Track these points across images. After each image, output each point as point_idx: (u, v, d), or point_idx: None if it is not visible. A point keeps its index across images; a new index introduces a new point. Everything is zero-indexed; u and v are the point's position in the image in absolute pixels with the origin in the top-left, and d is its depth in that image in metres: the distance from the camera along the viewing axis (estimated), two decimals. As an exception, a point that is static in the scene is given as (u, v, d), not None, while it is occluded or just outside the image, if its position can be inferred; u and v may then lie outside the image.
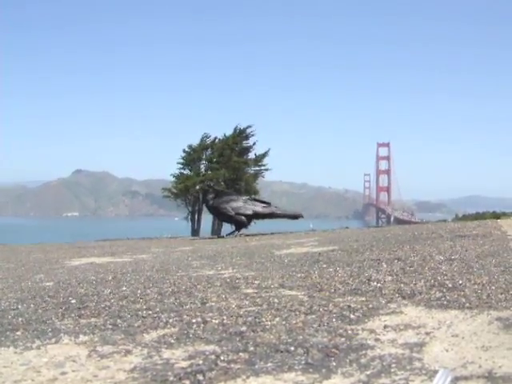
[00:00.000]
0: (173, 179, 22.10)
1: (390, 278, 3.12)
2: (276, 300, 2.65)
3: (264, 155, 22.38)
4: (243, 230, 9.82)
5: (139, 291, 3.14)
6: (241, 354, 1.80)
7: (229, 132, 22.31)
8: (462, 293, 2.59)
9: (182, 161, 22.00)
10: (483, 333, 1.92)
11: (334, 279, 3.19)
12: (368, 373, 1.57)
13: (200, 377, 1.60)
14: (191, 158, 21.83)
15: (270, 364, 1.68)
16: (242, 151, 22.09)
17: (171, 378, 1.61)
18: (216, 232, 17.18)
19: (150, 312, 2.53)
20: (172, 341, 2.01)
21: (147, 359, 1.81)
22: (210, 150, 22.14)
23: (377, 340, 1.90)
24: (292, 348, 1.83)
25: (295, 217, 10.96)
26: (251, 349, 1.84)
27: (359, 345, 1.85)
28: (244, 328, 2.13)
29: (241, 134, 22.11)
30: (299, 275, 3.43)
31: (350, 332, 2.01)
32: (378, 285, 2.92)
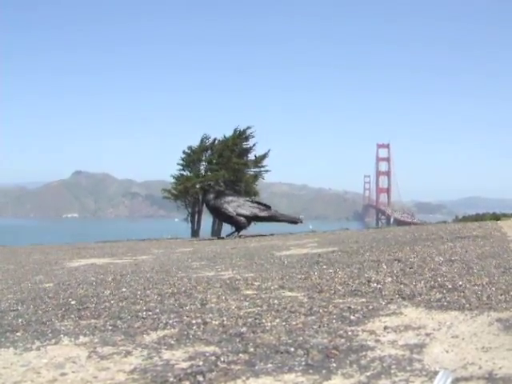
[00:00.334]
0: (173, 180, 22.13)
1: (390, 279, 3.12)
2: (276, 301, 2.64)
3: (264, 156, 22.42)
4: (243, 232, 9.82)
5: (139, 292, 3.14)
6: (241, 355, 1.80)
7: (228, 133, 22.36)
8: (462, 294, 2.59)
9: (181, 162, 22.04)
10: (483, 334, 1.92)
11: (334, 280, 3.19)
12: (368, 374, 1.57)
13: (200, 378, 1.60)
14: (191, 159, 21.87)
15: (270, 365, 1.68)
16: (241, 152, 22.12)
17: (171, 379, 1.61)
18: (216, 233, 17.19)
19: (150, 313, 2.53)
20: (172, 342, 2.01)
21: (147, 360, 1.81)
22: (209, 151, 22.18)
23: (377, 341, 1.90)
24: (292, 349, 1.83)
25: (294, 222, 10.93)
26: (251, 350, 1.84)
27: (359, 346, 1.84)
28: (244, 329, 2.13)
29: (240, 136, 22.14)
30: (299, 276, 3.43)
31: (350, 333, 2.01)
32: (378, 286, 2.92)
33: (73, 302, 2.94)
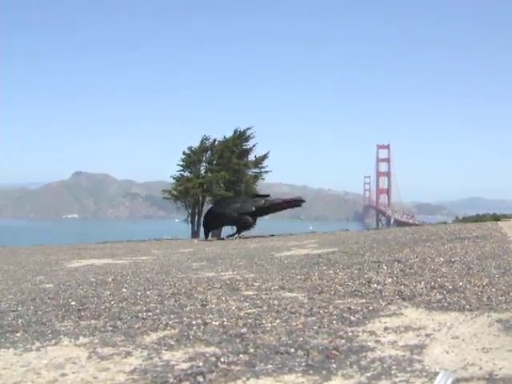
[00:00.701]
0: (173, 181, 22.12)
1: (390, 279, 3.12)
2: (276, 302, 2.64)
3: (264, 157, 22.40)
4: (243, 233, 9.82)
5: (139, 293, 3.14)
6: (241, 355, 1.80)
7: (229, 134, 22.35)
8: (463, 295, 2.59)
9: (182, 163, 22.02)
10: (483, 335, 1.92)
11: (334, 281, 3.19)
12: (368, 375, 1.57)
13: (200, 378, 1.60)
14: (191, 160, 21.86)
15: (270, 366, 1.68)
16: (241, 153, 22.11)
17: (171, 380, 1.61)
18: (216, 234, 17.18)
19: (150, 314, 2.53)
20: (172, 342, 2.01)
21: (147, 361, 1.81)
22: (209, 152, 22.17)
23: (377, 342, 1.90)
24: (292, 350, 1.83)
25: (297, 203, 10.85)
26: (251, 350, 1.84)
27: (359, 347, 1.84)
28: (244, 330, 2.13)
29: (241, 136, 22.14)
30: (299, 277, 3.43)
31: (350, 334, 2.01)
32: (379, 287, 2.92)
33: (73, 303, 2.94)
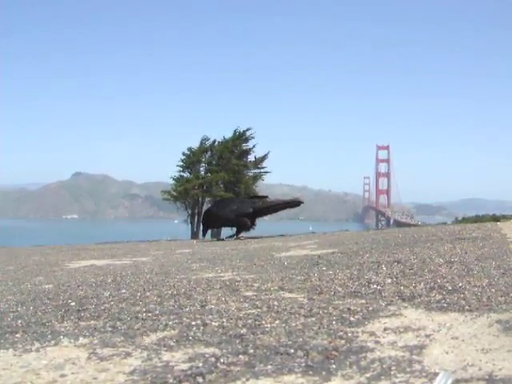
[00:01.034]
0: (172, 182, 22.12)
1: (389, 280, 3.12)
2: (276, 303, 2.64)
3: (263, 158, 22.42)
4: (243, 233, 9.82)
5: (139, 294, 3.14)
6: (241, 356, 1.80)
7: (228, 135, 22.36)
8: (462, 295, 2.59)
9: (181, 163, 22.02)
10: (483, 335, 1.92)
11: (334, 282, 3.19)
12: (368, 375, 1.57)
13: (200, 379, 1.60)
14: (191, 160, 21.87)
15: (269, 366, 1.68)
16: (241, 154, 22.13)
17: (171, 381, 1.61)
18: (216, 235, 17.17)
19: (150, 314, 2.53)
20: (172, 343, 2.01)
21: (147, 362, 1.81)
22: (209, 152, 22.18)
23: (377, 342, 1.90)
24: (292, 350, 1.83)
25: (296, 204, 10.89)
26: (251, 351, 1.84)
27: (359, 347, 1.84)
28: (244, 330, 2.13)
29: (240, 137, 22.15)
30: (299, 278, 3.42)
31: (349, 334, 2.01)
32: (378, 287, 2.92)
33: (72, 304, 2.94)
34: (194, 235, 20.14)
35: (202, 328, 2.21)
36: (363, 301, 2.61)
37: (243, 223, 9.69)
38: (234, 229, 9.98)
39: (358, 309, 2.42)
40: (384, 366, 1.64)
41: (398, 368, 1.62)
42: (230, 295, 2.94)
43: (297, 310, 2.44)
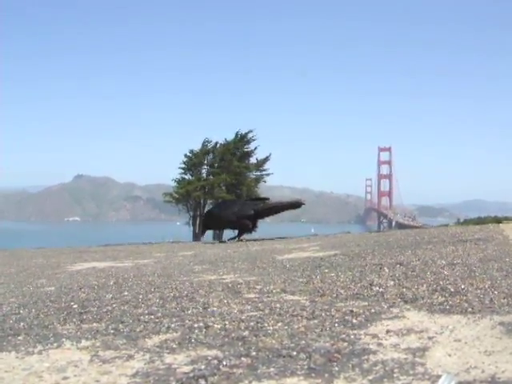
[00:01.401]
0: (174, 184, 22.13)
1: (392, 282, 3.12)
2: (278, 305, 2.64)
3: (265, 160, 22.42)
4: (244, 235, 9.81)
5: (141, 296, 3.14)
6: (243, 358, 1.79)
7: (230, 137, 22.36)
8: (465, 297, 2.58)
9: (183, 165, 22.03)
10: (486, 337, 1.92)
11: (336, 284, 3.18)
12: (370, 378, 1.57)
13: (202, 382, 1.60)
14: (192, 162, 21.87)
15: (272, 369, 1.68)
16: (243, 156, 22.13)
17: (173, 383, 1.60)
18: (218, 237, 17.17)
19: (152, 317, 2.53)
20: (174, 346, 2.01)
21: (149, 364, 1.80)
22: (211, 154, 22.18)
23: (379, 345, 1.90)
24: (294, 353, 1.83)
25: (296, 205, 10.92)
26: (253, 354, 1.84)
27: (362, 350, 1.84)
28: (246, 333, 2.12)
29: (242, 139, 22.16)
30: (301, 280, 3.42)
31: (352, 337, 2.01)
32: (380, 289, 2.91)
33: (75, 306, 2.94)
34: (196, 237, 20.13)
35: (204, 330, 2.21)
36: (365, 303, 2.60)
37: (244, 225, 9.69)
38: (236, 231, 9.99)
39: (361, 311, 2.42)
40: (387, 368, 1.64)
41: (401, 370, 1.61)
42: (232, 297, 2.93)
43: (299, 313, 2.44)
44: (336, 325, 2.20)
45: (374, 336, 2.01)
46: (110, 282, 3.95)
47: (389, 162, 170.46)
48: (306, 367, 1.68)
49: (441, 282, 3.00)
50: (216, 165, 21.88)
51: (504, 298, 2.51)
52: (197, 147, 22.27)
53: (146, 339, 2.13)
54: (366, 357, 1.76)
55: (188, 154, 22.02)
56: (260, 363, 1.74)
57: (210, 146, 22.26)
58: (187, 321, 2.39)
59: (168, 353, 1.92)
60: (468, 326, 2.08)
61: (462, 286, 2.84)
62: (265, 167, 22.53)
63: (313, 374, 1.62)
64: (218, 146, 22.18)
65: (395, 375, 1.58)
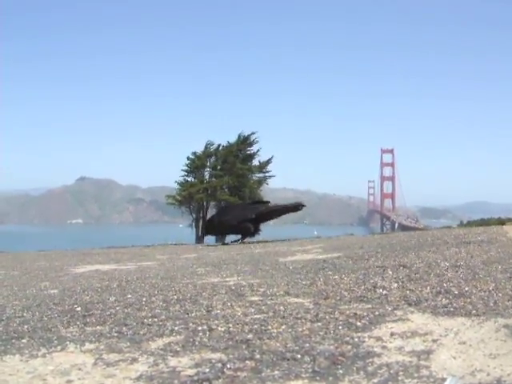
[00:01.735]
0: (177, 186, 22.13)
1: (395, 284, 3.11)
2: (282, 307, 2.64)
3: (268, 162, 22.39)
4: (248, 238, 9.83)
5: (144, 299, 3.14)
6: (247, 361, 1.79)
7: (233, 139, 22.36)
8: (469, 300, 2.58)
9: (186, 168, 22.03)
10: (491, 340, 1.91)
11: (340, 286, 3.18)
12: (375, 381, 1.57)
13: (206, 385, 1.60)
14: (195, 165, 21.86)
15: (276, 372, 1.68)
16: (245, 158, 22.12)
17: (177, 386, 1.60)
18: (220, 239, 17.18)
19: (156, 320, 2.53)
20: (178, 349, 2.01)
21: (153, 367, 1.80)
22: (213, 157, 22.17)
23: (384, 347, 1.89)
24: (299, 356, 1.82)
25: (297, 207, 10.98)
26: (258, 357, 1.84)
27: (366, 352, 1.84)
28: (250, 336, 2.12)
29: (245, 141, 22.14)
30: (304, 282, 3.42)
31: (356, 339, 2.00)
32: (384, 292, 2.91)
33: (78, 309, 2.94)
34: (199, 239, 20.13)
35: (208, 333, 2.20)
36: (369, 305, 2.60)
37: (246, 229, 9.73)
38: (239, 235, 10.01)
39: (365, 313, 2.41)
40: (391, 371, 1.64)
41: (406, 373, 1.61)
42: (236, 300, 2.93)
43: (303, 315, 2.43)
44: (340, 327, 2.19)
45: (379, 339, 2.00)
46: (114, 284, 3.95)
47: (391, 164, 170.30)
48: (310, 370, 1.68)
49: (444, 285, 2.99)
50: (219, 167, 21.86)
51: (508, 301, 2.50)
52: (199, 149, 22.27)
53: (150, 342, 2.13)
54: (370, 360, 1.76)
55: (191, 156, 22.01)
56: (264, 366, 1.74)
57: (212, 148, 22.24)
58: (191, 324, 2.39)
59: (172, 356, 1.92)
60: (472, 329, 2.08)
61: (466, 289, 2.84)
62: (267, 169, 22.52)
63: (317, 377, 1.62)
64: (221, 148, 22.16)
65: (400, 378, 1.57)
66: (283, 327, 2.24)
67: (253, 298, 2.96)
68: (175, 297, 3.14)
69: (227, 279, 3.90)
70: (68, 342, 2.20)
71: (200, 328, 2.30)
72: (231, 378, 1.64)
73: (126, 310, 2.81)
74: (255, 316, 2.49)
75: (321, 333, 2.12)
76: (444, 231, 8.92)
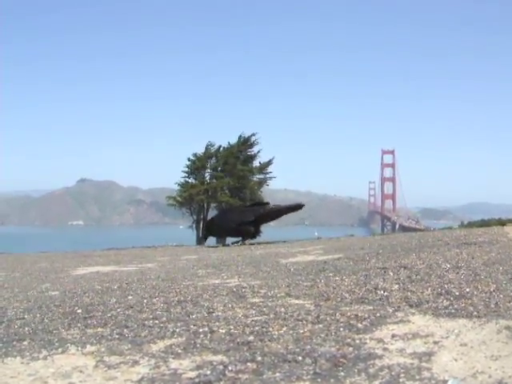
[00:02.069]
0: (177, 188, 22.13)
1: (396, 286, 3.11)
2: (283, 309, 2.64)
3: (268, 163, 22.39)
4: (248, 239, 9.84)
5: (145, 300, 3.14)
6: (248, 363, 1.79)
7: (233, 140, 22.36)
8: (470, 301, 2.57)
9: (186, 169, 22.03)
10: (492, 342, 1.91)
11: (341, 288, 3.18)
12: (377, 383, 1.56)
13: (208, 387, 1.60)
14: (196, 166, 21.86)
15: (278, 374, 1.68)
16: (246, 159, 22.12)
17: (179, 389, 1.60)
18: (221, 241, 17.17)
19: (157, 321, 2.52)
20: (179, 351, 2.00)
21: (155, 369, 1.80)
22: (214, 158, 22.18)
23: (385, 349, 1.89)
24: (300, 358, 1.82)
25: (296, 208, 11.05)
26: (259, 359, 1.84)
27: (367, 354, 1.84)
28: (251, 338, 2.12)
29: (245, 143, 22.14)
30: (305, 284, 3.42)
31: (357, 341, 2.00)
32: (385, 293, 2.91)
33: (79, 311, 2.94)
34: (200, 241, 20.13)
35: (209, 335, 2.20)
36: (370, 307, 2.60)
37: (246, 231, 9.77)
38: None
39: (366, 315, 2.41)
40: (393, 373, 1.63)
41: (407, 375, 1.61)
42: (237, 302, 2.93)
43: (304, 317, 2.43)
44: (341, 329, 2.19)
45: (380, 340, 2.00)
46: (114, 286, 3.94)
47: (392, 165, 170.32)
48: (311, 372, 1.68)
49: (446, 286, 2.99)
50: (219, 168, 21.86)
51: (509, 302, 2.50)
52: (200, 151, 22.28)
53: (151, 344, 2.13)
54: (371, 362, 1.76)
55: (191, 157, 22.02)
56: (266, 368, 1.73)
57: (213, 149, 22.25)
58: (192, 325, 2.39)
59: (173, 358, 1.92)
60: (474, 331, 2.07)
61: (467, 290, 2.84)
62: (268, 170, 22.52)
63: (318, 379, 1.61)
64: (222, 149, 22.17)
65: (401, 380, 1.57)
66: (284, 329, 2.23)
67: (254, 300, 2.96)
68: (176, 298, 3.14)
69: (228, 281, 3.90)
70: (69, 345, 2.20)
71: (201, 330, 2.29)
72: (232, 381, 1.64)
73: (126, 312, 2.81)
74: (256, 318, 2.48)
75: (322, 334, 2.11)
76: (445, 232, 8.92)
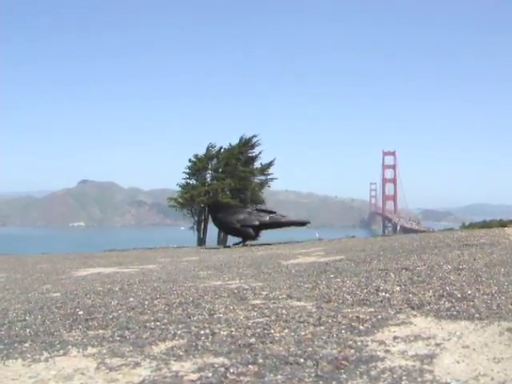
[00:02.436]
0: (179, 189, 22.14)
1: (398, 288, 3.10)
2: (284, 311, 2.63)
3: (269, 164, 22.39)
4: (249, 241, 9.84)
5: (147, 302, 3.14)
6: (250, 366, 1.79)
7: (234, 141, 22.37)
8: (472, 303, 2.57)
9: (187, 170, 22.04)
10: (494, 344, 1.90)
11: (342, 290, 3.17)
12: (379, 385, 1.56)
13: (209, 389, 1.59)
14: (197, 167, 21.87)
15: (279, 376, 1.67)
16: (247, 161, 22.12)
17: (180, 391, 1.60)
18: (222, 242, 17.16)
19: (158, 323, 2.52)
20: (181, 353, 2.00)
21: (156, 372, 1.80)
22: (215, 159, 22.18)
23: (387, 351, 1.89)
24: (301, 360, 1.82)
25: (302, 224, 11.07)
26: (260, 361, 1.83)
27: (369, 356, 1.83)
28: (253, 340, 2.12)
29: (246, 144, 22.14)
30: (307, 286, 3.41)
31: (359, 343, 2.00)
32: (387, 295, 2.90)
33: (80, 312, 2.93)
34: (201, 242, 20.12)
35: (210, 337, 2.20)
36: (372, 309, 2.59)
37: (247, 233, 9.78)
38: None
39: (367, 317, 2.41)
40: (395, 375, 1.63)
41: (409, 378, 1.60)
42: (238, 304, 2.93)
43: (305, 319, 2.43)
44: (343, 331, 2.19)
45: (382, 343, 2.00)
46: (116, 287, 3.94)
47: (393, 166, 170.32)
48: (313, 374, 1.67)
49: (447, 288, 2.98)
50: (220, 169, 21.87)
51: (511, 304, 2.50)
52: (201, 152, 22.28)
53: (153, 346, 2.12)
54: (373, 364, 1.75)
55: (192, 158, 22.02)
56: (267, 371, 1.73)
57: (214, 150, 22.25)
58: (193, 327, 2.39)
59: (175, 360, 1.92)
60: (476, 333, 2.07)
61: (469, 292, 2.83)
62: (269, 172, 22.52)
63: (320, 382, 1.61)
64: (223, 150, 22.17)
65: (403, 383, 1.57)
66: (286, 331, 2.23)
67: (255, 302, 2.96)
68: (177, 300, 3.14)
69: (229, 282, 3.89)
70: (70, 346, 2.19)
71: (202, 332, 2.29)
72: (234, 383, 1.64)
73: (128, 314, 2.81)
74: (258, 320, 2.48)
75: (323, 337, 2.11)
76: (446, 233, 8.90)
